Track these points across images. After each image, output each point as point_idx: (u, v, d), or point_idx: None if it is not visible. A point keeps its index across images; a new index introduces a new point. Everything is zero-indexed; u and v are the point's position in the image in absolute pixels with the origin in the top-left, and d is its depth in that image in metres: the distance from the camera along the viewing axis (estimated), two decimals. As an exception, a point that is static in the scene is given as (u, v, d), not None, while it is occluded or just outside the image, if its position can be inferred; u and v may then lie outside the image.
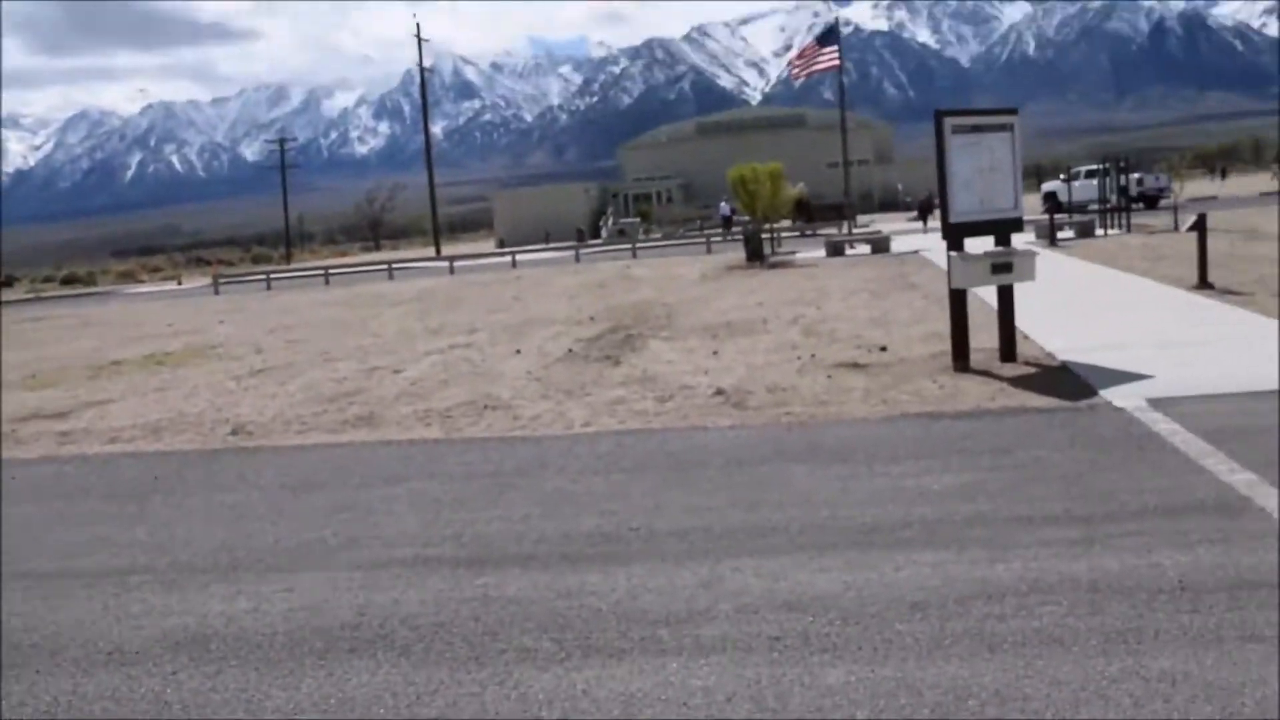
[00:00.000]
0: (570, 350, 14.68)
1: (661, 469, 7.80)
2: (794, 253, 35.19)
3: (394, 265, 48.67)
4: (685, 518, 6.52)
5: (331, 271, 47.96)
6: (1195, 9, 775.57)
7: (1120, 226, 33.47)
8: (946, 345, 11.25)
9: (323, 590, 5.68)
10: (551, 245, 61.01)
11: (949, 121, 10.61)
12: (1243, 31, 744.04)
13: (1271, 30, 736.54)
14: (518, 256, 47.44)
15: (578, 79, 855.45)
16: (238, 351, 18.46)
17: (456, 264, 46.77)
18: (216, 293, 44.48)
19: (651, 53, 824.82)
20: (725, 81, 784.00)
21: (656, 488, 7.26)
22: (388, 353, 16.34)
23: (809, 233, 48.11)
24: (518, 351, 15.04)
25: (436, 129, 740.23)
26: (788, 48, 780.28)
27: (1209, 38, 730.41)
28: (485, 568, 5.86)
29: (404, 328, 20.30)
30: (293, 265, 74.66)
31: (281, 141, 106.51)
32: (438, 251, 67.28)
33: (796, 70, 45.74)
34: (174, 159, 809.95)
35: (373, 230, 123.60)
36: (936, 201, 12.30)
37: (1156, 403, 8.57)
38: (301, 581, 5.86)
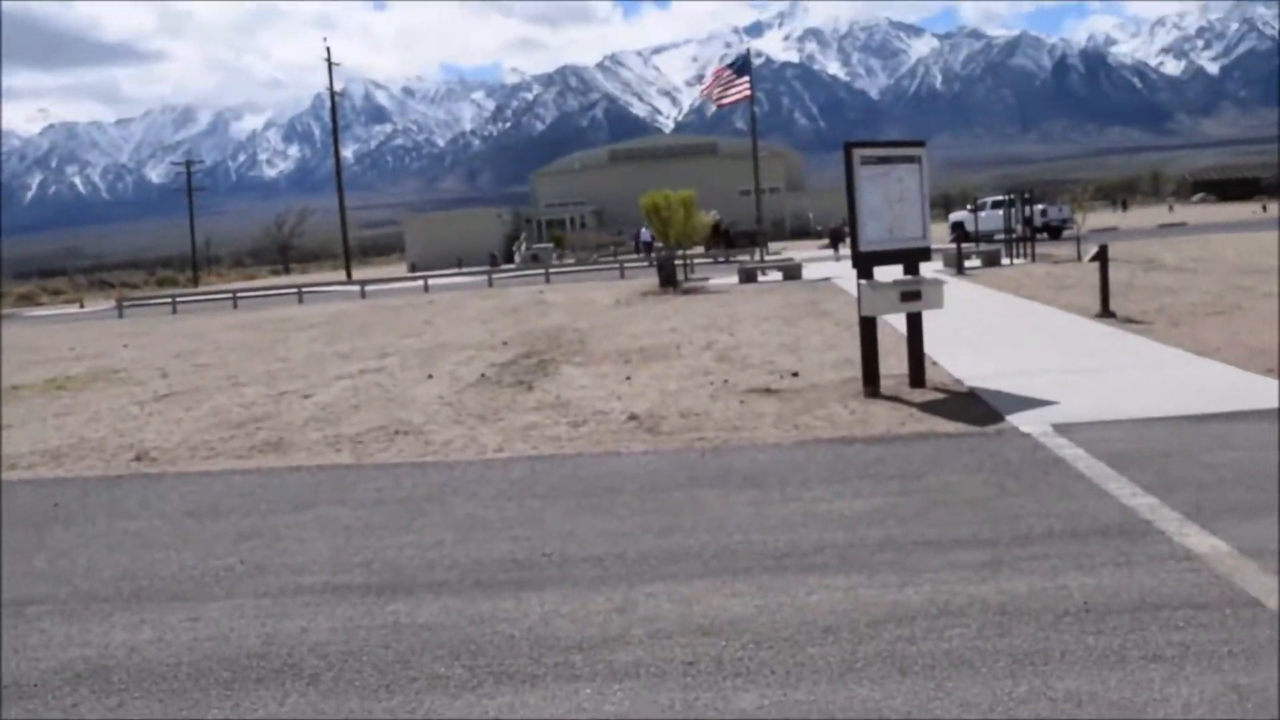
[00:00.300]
0: (483, 375, 14.59)
1: (575, 494, 7.78)
2: (707, 279, 35.39)
3: (304, 289, 48.07)
4: (599, 543, 6.50)
5: (239, 295, 47.20)
6: (1096, 47, 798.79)
7: (1025, 256, 34.16)
8: (857, 371, 11.39)
9: (229, 619, 5.56)
10: (464, 270, 60.74)
11: (858, 153, 10.77)
12: (1141, 69, 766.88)
13: (1169, 69, 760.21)
14: (430, 281, 47.12)
15: (491, 105, 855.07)
16: (142, 376, 18.06)
17: (368, 288, 46.35)
18: (120, 316, 43.54)
19: (565, 80, 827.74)
20: (638, 109, 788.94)
21: (570, 513, 7.24)
22: (297, 377, 16.11)
23: (722, 259, 48.41)
24: (430, 376, 14.92)
25: (347, 153, 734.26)
26: (700, 77, 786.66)
27: (1109, 75, 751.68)
28: (396, 594, 5.78)
29: (314, 352, 20.03)
30: (199, 288, 73.53)
31: (188, 163, 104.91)
32: (349, 275, 66.59)
33: (716, 95, 46.04)
34: (76, 180, 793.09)
35: (282, 254, 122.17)
36: (847, 230, 12.46)
37: (1061, 428, 8.74)
38: (207, 610, 5.73)
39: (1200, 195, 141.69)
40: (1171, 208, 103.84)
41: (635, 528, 6.78)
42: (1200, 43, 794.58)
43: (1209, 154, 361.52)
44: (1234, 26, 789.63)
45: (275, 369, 17.54)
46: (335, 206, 74.13)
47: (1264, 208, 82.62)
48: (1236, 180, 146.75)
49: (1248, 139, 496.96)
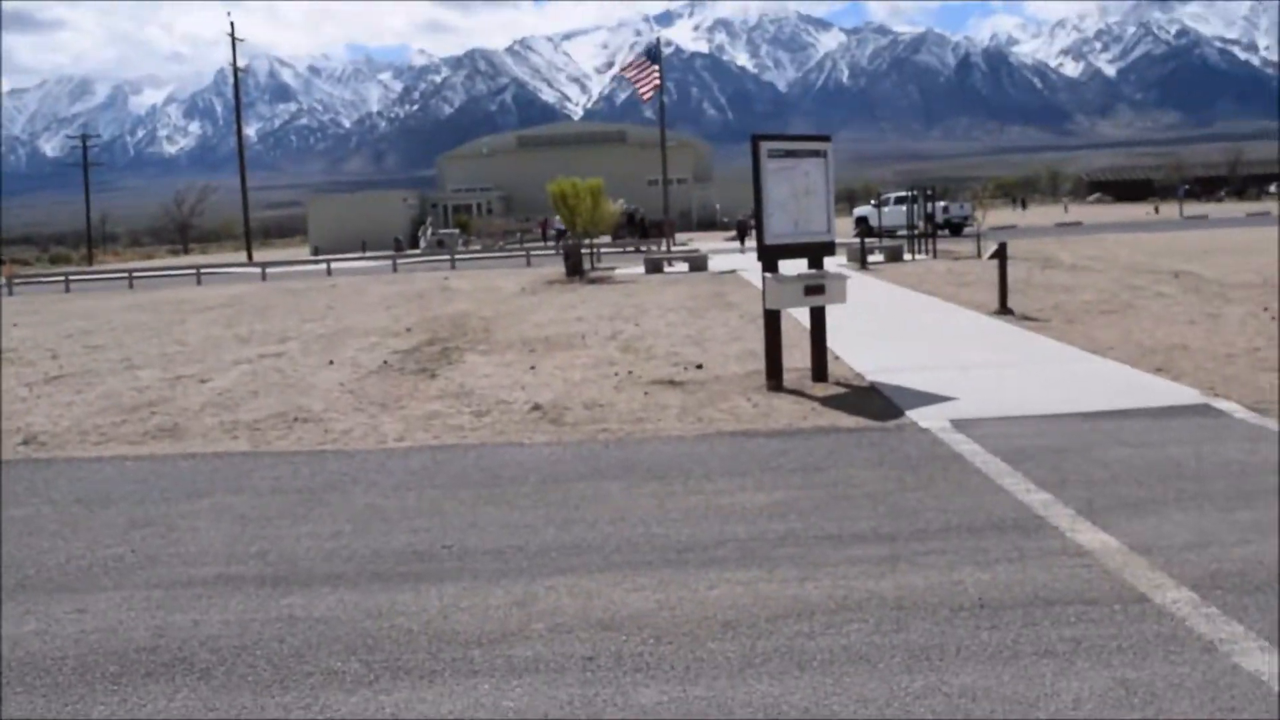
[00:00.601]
0: (385, 362, 14.42)
1: (476, 485, 7.71)
2: (613, 269, 35.37)
3: (202, 270, 47.03)
4: (500, 535, 6.46)
5: (136, 275, 46.08)
6: (999, 46, 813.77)
7: (927, 252, 34.68)
8: (761, 364, 11.46)
9: (118, 611, 5.42)
10: (368, 254, 60.03)
11: (765, 146, 10.82)
12: (1042, 70, 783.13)
13: (1068, 70, 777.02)
14: (333, 264, 46.46)
15: (398, 86, 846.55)
16: (31, 356, 17.56)
17: (269, 270, 45.52)
18: (10, 294, 42.28)
19: (474, 63, 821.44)
20: (548, 95, 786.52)
21: (471, 504, 7.18)
22: (194, 361, 15.77)
23: (630, 249, 48.42)
24: (331, 362, 14.71)
25: (250, 131, 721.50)
26: (610, 65, 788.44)
27: (1011, 74, 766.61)
28: (292, 587, 5.68)
29: (212, 335, 19.63)
30: (94, 267, 71.65)
31: (84, 137, 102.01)
32: (249, 257, 65.40)
33: (641, 86, 45.82)
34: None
35: (181, 233, 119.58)
36: (753, 223, 12.53)
37: (959, 424, 8.89)
38: (95, 602, 5.58)
39: (1096, 195, 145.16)
40: (1066, 208, 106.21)
41: (537, 520, 6.74)
42: (1099, 45, 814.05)
43: (1105, 155, 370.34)
44: (1131, 30, 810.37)
45: (171, 352, 17.16)
46: (237, 186, 72.79)
47: (1156, 209, 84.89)
48: (1131, 182, 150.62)
49: (1142, 141, 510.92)
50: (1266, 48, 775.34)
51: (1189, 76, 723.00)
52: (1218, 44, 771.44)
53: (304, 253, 76.50)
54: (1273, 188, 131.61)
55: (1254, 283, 20.01)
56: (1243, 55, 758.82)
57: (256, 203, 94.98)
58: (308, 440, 9.58)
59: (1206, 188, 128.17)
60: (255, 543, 6.52)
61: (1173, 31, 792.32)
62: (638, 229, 54.29)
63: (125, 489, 8.12)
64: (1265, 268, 23.04)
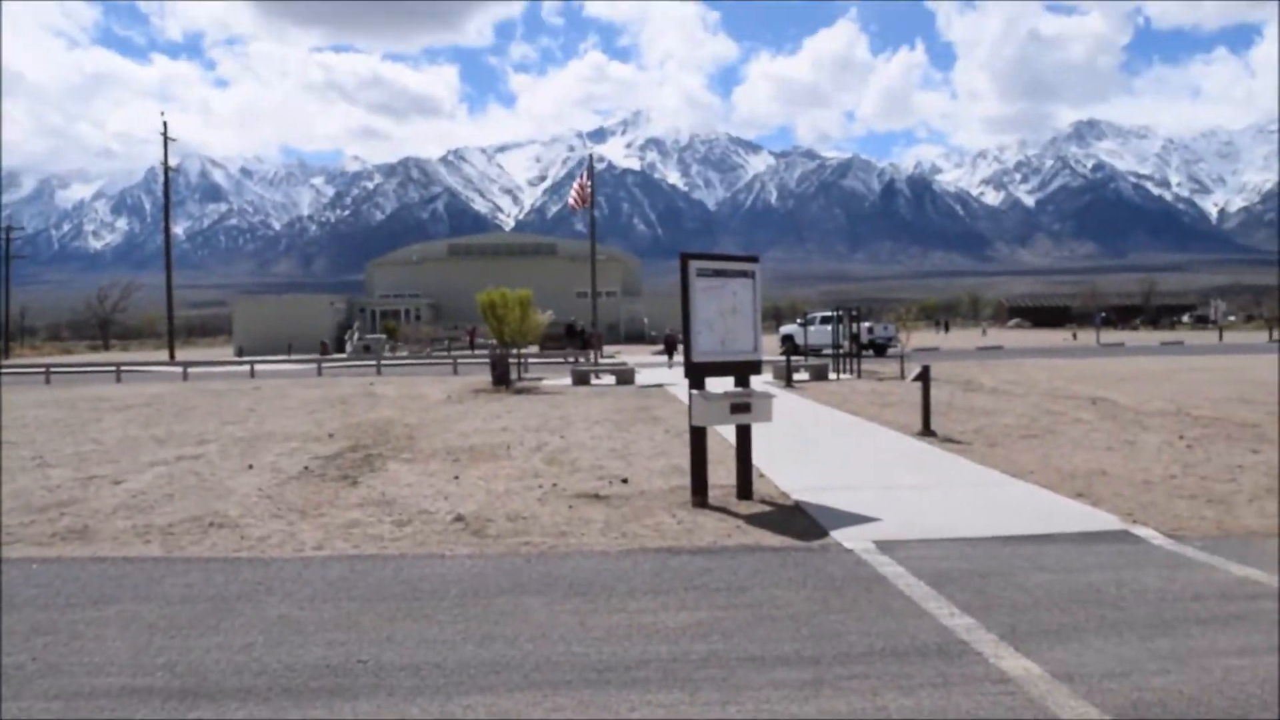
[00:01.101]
0: (306, 468, 14.19)
1: (395, 598, 7.55)
2: (540, 379, 35.35)
3: (123, 367, 46.28)
4: (417, 650, 6.30)
5: (53, 370, 45.21)
6: (922, 174, 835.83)
7: (852, 372, 35.07)
8: (686, 480, 11.44)
9: (12, 723, 5.19)
10: (294, 357, 59.49)
11: (694, 264, 10.93)
12: (964, 198, 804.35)
13: (989, 199, 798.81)
14: (257, 366, 45.94)
15: (330, 191, 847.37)
16: (-63, 452, 17.05)
17: (191, 370, 44.91)
18: (-82, 386, 41.21)
19: (407, 171, 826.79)
20: (480, 205, 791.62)
21: (389, 617, 7.01)
22: (108, 461, 15.41)
23: (557, 360, 48.47)
24: (250, 466, 14.44)
25: (179, 229, 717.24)
26: (542, 178, 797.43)
27: (934, 201, 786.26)
28: (199, 701, 5.48)
29: (128, 435, 19.22)
30: (11, 361, 70.13)
31: (7, 229, 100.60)
32: (171, 356, 64.50)
33: (574, 202, 46.34)
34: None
35: (102, 329, 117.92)
36: (681, 338, 12.61)
37: (883, 545, 8.89)
38: (-12, 713, 5.34)
39: (1016, 320, 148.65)
40: (984, 331, 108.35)
41: (456, 635, 6.60)
42: (1018, 176, 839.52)
43: (1025, 281, 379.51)
44: (1049, 163, 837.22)
45: (86, 451, 16.76)
46: (162, 283, 71.95)
47: (1074, 336, 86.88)
48: (1050, 308, 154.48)
49: (1060, 269, 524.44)
50: (1178, 184, 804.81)
51: (1104, 209, 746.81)
52: (1132, 179, 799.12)
53: (228, 353, 75.68)
54: (1186, 317, 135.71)
55: (1169, 411, 20.44)
56: (1156, 191, 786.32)
57: (181, 301, 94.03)
58: (222, 546, 9.34)
59: (1122, 316, 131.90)
60: (163, 653, 6.30)
61: (1089, 166, 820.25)
62: (579, 339, 54.57)
63: (29, 593, 7.84)
64: (1179, 396, 23.59)
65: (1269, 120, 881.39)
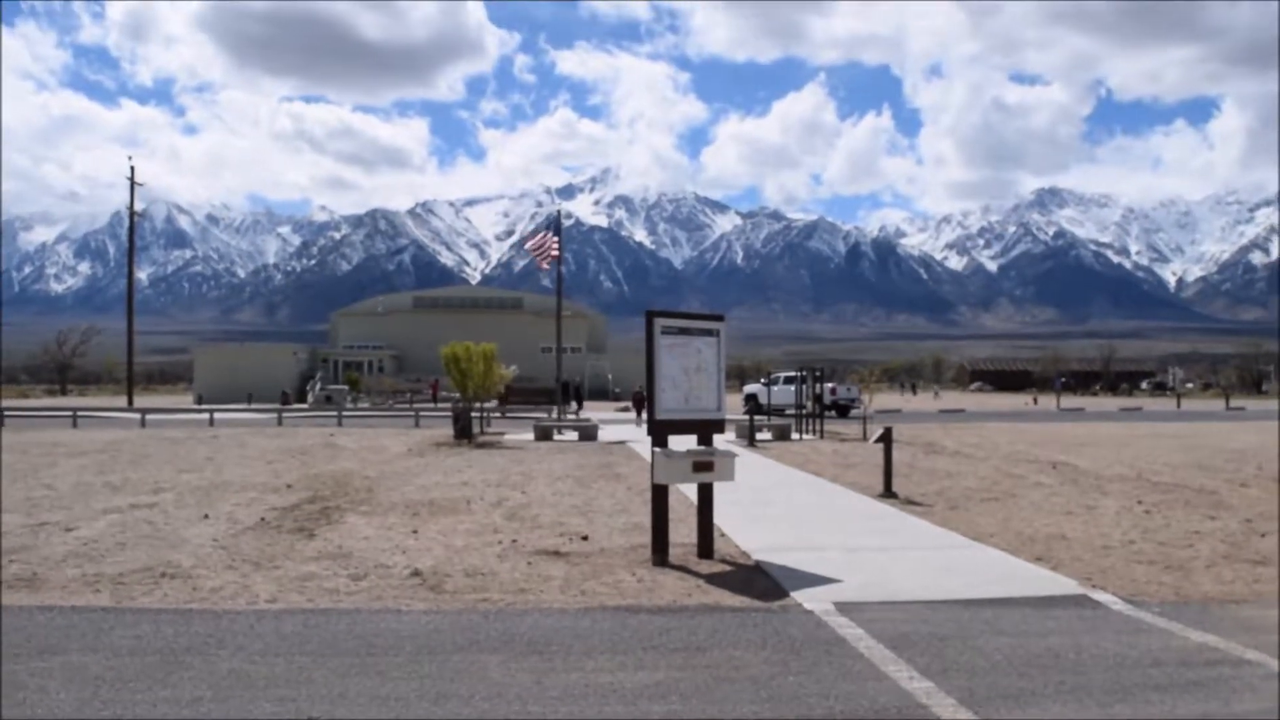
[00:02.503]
0: (262, 519, 14.02)
1: (349, 653, 7.43)
2: (503, 434, 35.21)
3: (79, 413, 45.78)
4: (370, 708, 6.19)
5: (8, 414, 44.57)
6: (887, 237, 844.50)
7: (815, 432, 35.12)
8: (647, 537, 11.38)
9: (-51, 778, 5.04)
10: (254, 406, 59.02)
11: (659, 322, 10.95)
12: (927, 261, 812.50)
13: (952, 263, 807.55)
14: (217, 415, 45.52)
15: (297, 240, 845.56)
16: (-115, 496, 16.74)
17: (149, 417, 44.44)
18: None
19: (375, 222, 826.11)
20: (447, 259, 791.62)
21: (342, 674, 6.89)
22: (60, 508, 15.17)
23: (520, 415, 48.32)
24: (205, 516, 14.26)
25: (142, 274, 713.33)
26: (510, 233, 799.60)
27: (898, 264, 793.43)
28: (143, 756, 5.35)
29: (82, 481, 18.95)
30: (-37, 405, 69.11)
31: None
32: (130, 402, 63.82)
33: (539, 258, 46.34)
34: None
35: (60, 373, 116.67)
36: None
37: (843, 607, 8.85)
38: (-76, 766, 5.19)
39: (978, 384, 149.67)
40: (937, 394, 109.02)
41: (409, 693, 6.49)
42: (981, 242, 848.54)
43: (987, 345, 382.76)
44: (1012, 230, 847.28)
45: (37, 497, 16.50)
46: (123, 328, 71.36)
47: (1035, 400, 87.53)
48: (1011, 372, 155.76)
49: (1021, 334, 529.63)
50: (1137, 253, 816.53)
51: (1065, 275, 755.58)
52: (1092, 246, 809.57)
53: (188, 400, 75.02)
54: (1145, 384, 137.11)
55: (1128, 476, 20.57)
56: (1115, 259, 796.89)
57: (142, 347, 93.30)
58: (174, 597, 9.19)
59: (1082, 381, 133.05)
60: (109, 706, 6.16)
61: (1051, 233, 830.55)
62: (572, 395, 54.67)
63: (-28, 643, 7.66)
64: (1138, 461, 23.75)
65: (1227, 192, 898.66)
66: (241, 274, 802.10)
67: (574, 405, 54.35)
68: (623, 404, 60.30)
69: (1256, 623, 8.61)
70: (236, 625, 8.21)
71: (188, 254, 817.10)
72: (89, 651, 7.41)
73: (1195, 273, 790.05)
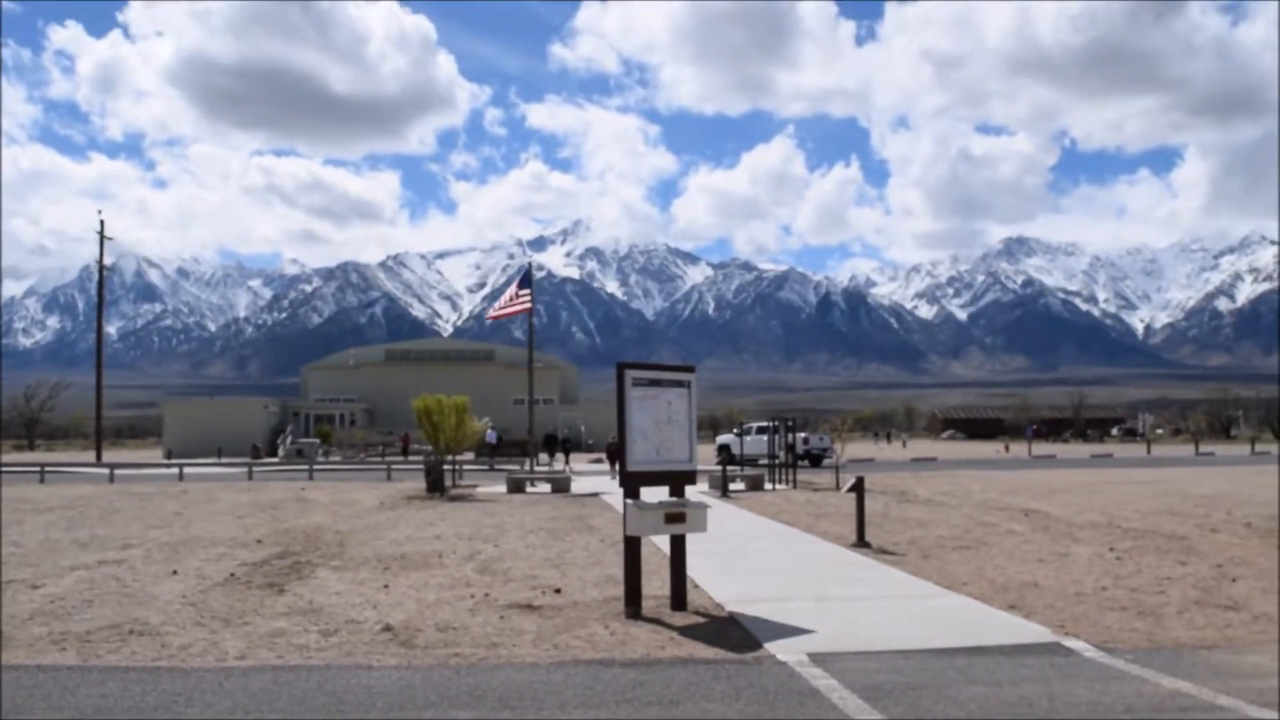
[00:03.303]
0: (232, 574, 13.89)
1: (319, 710, 7.35)
2: (475, 486, 35.07)
3: (47, 468, 45.32)
4: (340, 765, 6.12)
5: (-27, 471, 44.09)
6: (857, 287, 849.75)
7: (787, 482, 35.14)
8: (620, 590, 11.34)
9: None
10: (224, 460, 58.60)
11: (630, 374, 10.98)
12: (898, 311, 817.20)
13: (922, 312, 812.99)
14: (186, 469, 45.15)
15: (268, 294, 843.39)
16: None
17: (118, 472, 44.03)
18: None
19: (346, 275, 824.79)
20: (418, 311, 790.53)
21: (312, 731, 6.82)
22: (27, 565, 14.99)
23: (490, 467, 48.13)
24: (174, 572, 14.12)
25: (111, 329, 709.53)
26: (482, 285, 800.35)
27: (869, 313, 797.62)
28: (109, 819, 5.27)
29: (49, 538, 18.73)
30: (-72, 462, 68.30)
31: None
32: (99, 457, 63.18)
33: (492, 312, 46.37)
34: None
35: (28, 429, 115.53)
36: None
37: (817, 658, 8.83)
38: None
39: (950, 432, 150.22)
40: (904, 444, 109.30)
41: (381, 749, 6.43)
42: (951, 291, 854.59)
43: (958, 394, 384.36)
44: (981, 279, 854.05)
45: (3, 554, 16.29)
46: (92, 383, 70.82)
47: (1006, 448, 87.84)
48: (982, 420, 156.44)
49: (992, 382, 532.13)
50: (1105, 300, 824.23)
51: (1034, 323, 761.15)
52: (1060, 295, 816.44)
53: (157, 455, 74.39)
54: (1115, 430, 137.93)
55: (1099, 523, 20.65)
56: (1084, 306, 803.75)
57: (111, 401, 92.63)
58: (142, 655, 9.08)
59: (1053, 428, 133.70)
60: (73, 768, 6.07)
61: (1019, 281, 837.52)
62: (560, 447, 54.40)
63: (-65, 705, 7.55)
64: (1110, 508, 23.85)
65: (1191, 239, 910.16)
66: (212, 327, 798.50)
67: (562, 459, 53.80)
68: (595, 455, 60.07)
69: (1228, 668, 8.64)
70: (205, 683, 8.11)
71: (157, 308, 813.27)
72: (55, 711, 7.31)
73: (1162, 319, 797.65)
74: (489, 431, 56.01)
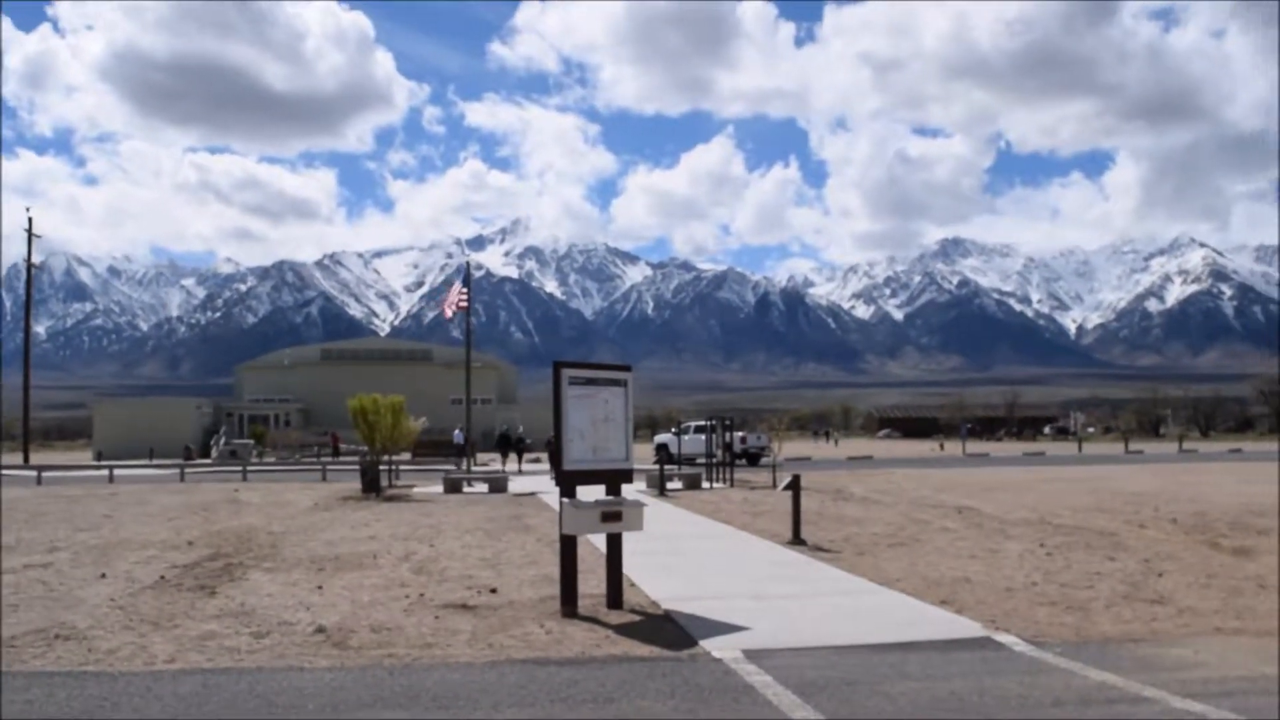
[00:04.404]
0: (162, 577, 13.69)
1: (249, 713, 7.26)
2: (412, 486, 34.85)
3: (-29, 472, 44.42)
4: (270, 768, 6.05)
5: (-105, 475, 43.12)
6: (795, 287, 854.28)
7: (725, 481, 35.25)
8: (556, 589, 11.33)
9: None
10: (156, 462, 57.77)
11: (566, 373, 10.96)
12: (835, 311, 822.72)
13: (859, 312, 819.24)
14: (117, 471, 44.46)
15: (201, 293, 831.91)
16: None
17: (46, 474, 43.26)
18: None
19: (282, 274, 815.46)
20: (355, 310, 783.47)
21: (241, 733, 6.74)
22: (-51, 570, 14.67)
23: (429, 467, 47.79)
24: (103, 575, 13.89)
25: (40, 328, 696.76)
26: (419, 284, 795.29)
27: (807, 314, 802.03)
28: (31, 825, 5.17)
29: (-27, 543, 18.35)
30: None
31: None
32: (26, 459, 62.03)
33: (448, 309, 46.03)
34: None
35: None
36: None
37: (752, 654, 8.88)
38: None
39: (886, 431, 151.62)
40: (837, 442, 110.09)
41: (312, 751, 6.37)
42: (888, 291, 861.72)
43: (894, 393, 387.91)
44: (917, 279, 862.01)
45: (-75, 560, 15.94)
46: (19, 384, 69.58)
47: (941, 446, 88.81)
48: (918, 419, 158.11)
49: (927, 381, 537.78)
50: (1039, 301, 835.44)
51: (970, 324, 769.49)
52: (995, 295, 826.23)
53: (87, 457, 73.17)
54: (1047, 429, 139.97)
55: (1031, 520, 20.94)
56: (1018, 307, 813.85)
57: (40, 403, 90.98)
58: (68, 660, 8.92)
59: (987, 427, 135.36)
60: (-5, 775, 5.95)
61: (955, 282, 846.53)
62: (513, 446, 53.25)
63: None
64: (1041, 505, 24.18)
65: (1123, 241, 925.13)
66: (144, 327, 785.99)
67: (514, 459, 52.45)
68: (534, 455, 59.63)
69: (1154, 661, 8.80)
70: (133, 687, 7.99)
71: (88, 307, 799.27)
72: (-24, 718, 7.16)
73: (1094, 320, 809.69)
74: (456, 432, 55.20)
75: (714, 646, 9.24)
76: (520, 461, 51.56)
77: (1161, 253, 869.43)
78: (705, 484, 33.99)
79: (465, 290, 45.57)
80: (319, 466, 47.03)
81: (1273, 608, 11.36)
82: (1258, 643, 9.65)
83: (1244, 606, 11.43)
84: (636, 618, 10.74)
